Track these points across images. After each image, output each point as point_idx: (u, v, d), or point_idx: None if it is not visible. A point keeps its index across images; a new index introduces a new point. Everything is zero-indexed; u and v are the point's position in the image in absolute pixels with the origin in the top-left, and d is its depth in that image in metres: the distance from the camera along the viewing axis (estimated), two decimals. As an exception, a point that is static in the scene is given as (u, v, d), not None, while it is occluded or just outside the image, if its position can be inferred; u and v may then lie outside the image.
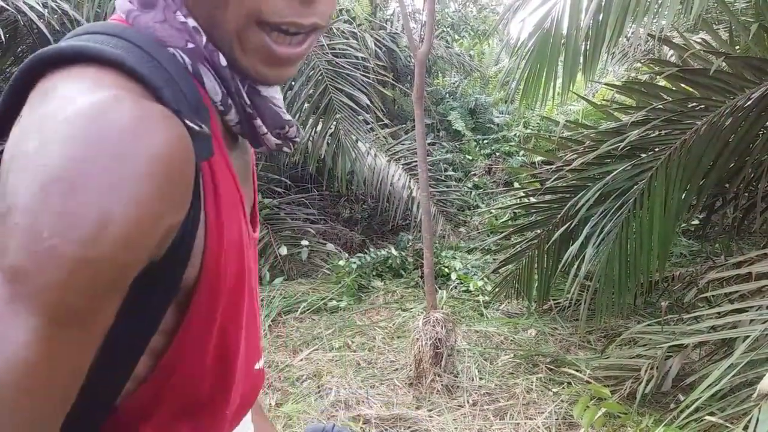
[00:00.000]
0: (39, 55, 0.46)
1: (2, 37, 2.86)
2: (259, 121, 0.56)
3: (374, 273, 4.34)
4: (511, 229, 3.68)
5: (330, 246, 4.62)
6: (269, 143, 0.58)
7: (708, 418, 1.86)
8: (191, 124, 0.46)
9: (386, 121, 5.25)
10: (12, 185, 0.40)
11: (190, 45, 0.51)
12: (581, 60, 3.04)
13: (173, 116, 0.45)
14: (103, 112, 0.41)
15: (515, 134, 6.80)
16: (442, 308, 3.15)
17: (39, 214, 0.38)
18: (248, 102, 0.54)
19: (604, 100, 5.03)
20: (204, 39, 0.51)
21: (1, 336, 0.37)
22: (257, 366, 0.67)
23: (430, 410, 2.58)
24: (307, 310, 3.73)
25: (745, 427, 1.66)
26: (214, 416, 0.59)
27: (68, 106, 0.41)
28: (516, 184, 5.66)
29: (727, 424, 1.82)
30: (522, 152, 6.29)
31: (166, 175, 0.43)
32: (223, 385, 0.58)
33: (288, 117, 0.58)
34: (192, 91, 0.50)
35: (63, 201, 0.39)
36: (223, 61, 0.52)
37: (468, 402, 2.64)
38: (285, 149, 0.60)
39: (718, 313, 2.28)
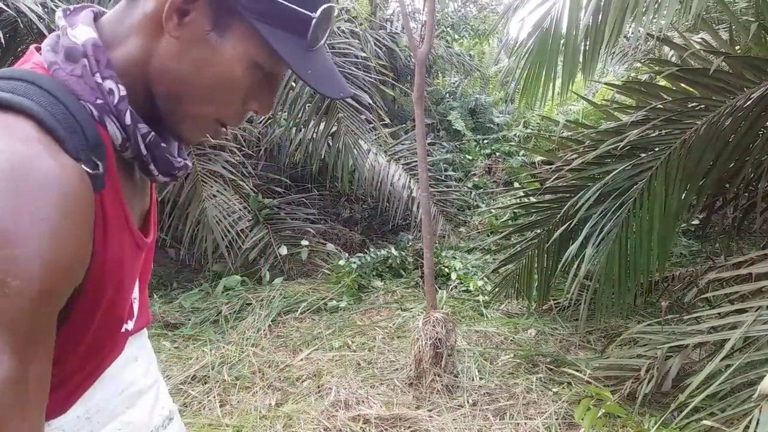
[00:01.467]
0: None
1: (1, 39, 2.86)
2: (152, 166, 0.68)
3: (374, 273, 4.34)
4: (511, 229, 3.68)
5: (330, 246, 4.62)
6: (157, 180, 0.72)
7: (705, 422, 1.85)
8: (87, 169, 0.57)
9: (387, 121, 5.24)
10: None
11: (99, 101, 0.61)
12: (581, 59, 3.04)
13: (76, 164, 0.56)
14: (28, 168, 0.51)
15: (515, 134, 6.80)
16: (442, 308, 3.14)
17: None
18: (145, 153, 0.66)
19: (603, 99, 5.03)
20: (116, 99, 0.62)
21: None
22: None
23: (430, 410, 2.58)
24: (307, 310, 3.74)
25: (746, 428, 1.66)
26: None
27: None
28: (516, 184, 5.67)
29: (723, 428, 1.82)
30: (522, 152, 6.29)
31: (85, 215, 0.56)
32: (89, 361, 0.71)
33: (180, 164, 0.71)
34: (93, 133, 0.60)
35: (18, 250, 0.49)
36: (128, 120, 0.63)
37: (468, 402, 2.64)
38: (170, 182, 0.76)
39: (719, 313, 2.28)
